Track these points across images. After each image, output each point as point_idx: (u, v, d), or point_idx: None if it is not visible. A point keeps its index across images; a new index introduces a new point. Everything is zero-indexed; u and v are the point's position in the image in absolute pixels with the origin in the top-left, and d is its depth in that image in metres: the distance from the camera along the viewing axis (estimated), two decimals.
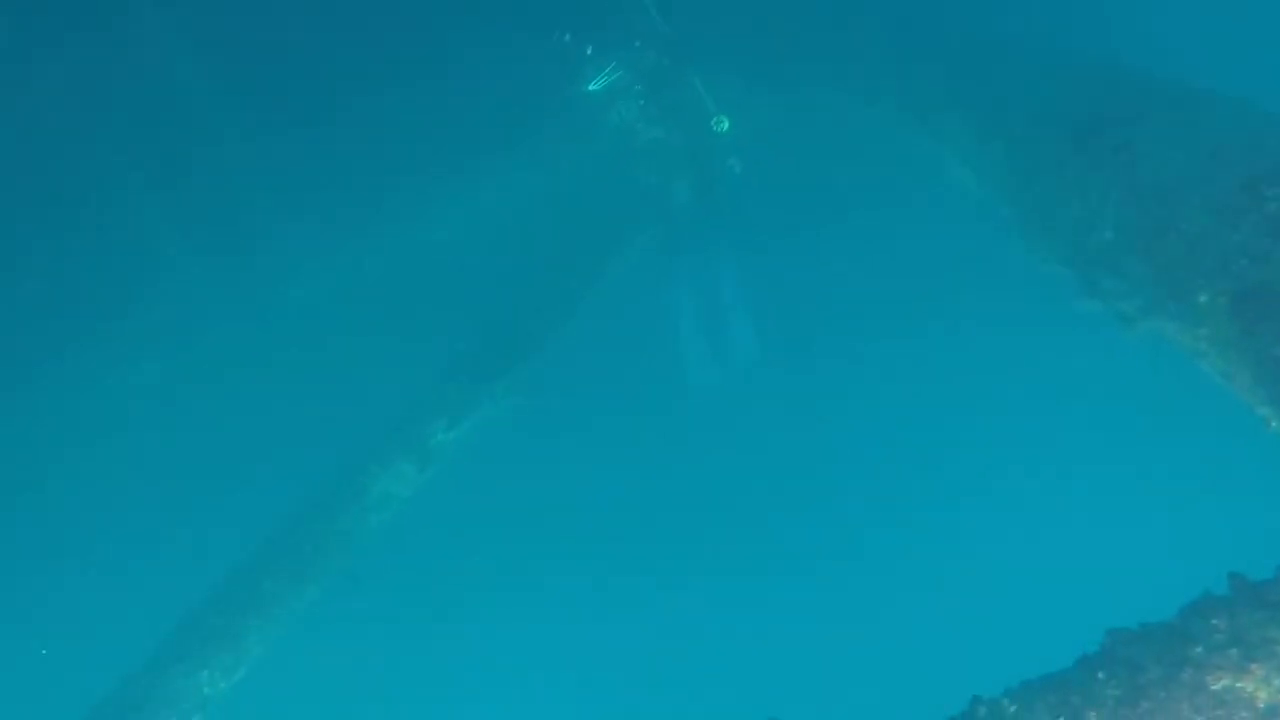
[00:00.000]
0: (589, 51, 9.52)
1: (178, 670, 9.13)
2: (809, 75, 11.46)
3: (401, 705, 11.43)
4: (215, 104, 12.23)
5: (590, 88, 9.56)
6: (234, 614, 9.49)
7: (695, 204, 10.75)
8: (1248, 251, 5.36)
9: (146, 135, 12.02)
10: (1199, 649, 3.73)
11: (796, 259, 11.73)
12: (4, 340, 11.85)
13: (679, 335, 11.35)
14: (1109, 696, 3.72)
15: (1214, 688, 3.57)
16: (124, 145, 11.93)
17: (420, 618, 11.20)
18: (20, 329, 11.85)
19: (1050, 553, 10.85)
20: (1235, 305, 5.23)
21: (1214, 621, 3.81)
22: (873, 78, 11.00)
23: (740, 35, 11.60)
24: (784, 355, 11.49)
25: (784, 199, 11.71)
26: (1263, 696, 3.58)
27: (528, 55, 10.91)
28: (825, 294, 12.01)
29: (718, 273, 11.31)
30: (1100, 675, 3.78)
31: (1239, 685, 3.56)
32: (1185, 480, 10.36)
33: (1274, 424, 4.80)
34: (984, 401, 11.49)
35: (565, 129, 11.77)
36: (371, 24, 11.68)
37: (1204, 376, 5.41)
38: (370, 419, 10.68)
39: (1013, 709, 3.80)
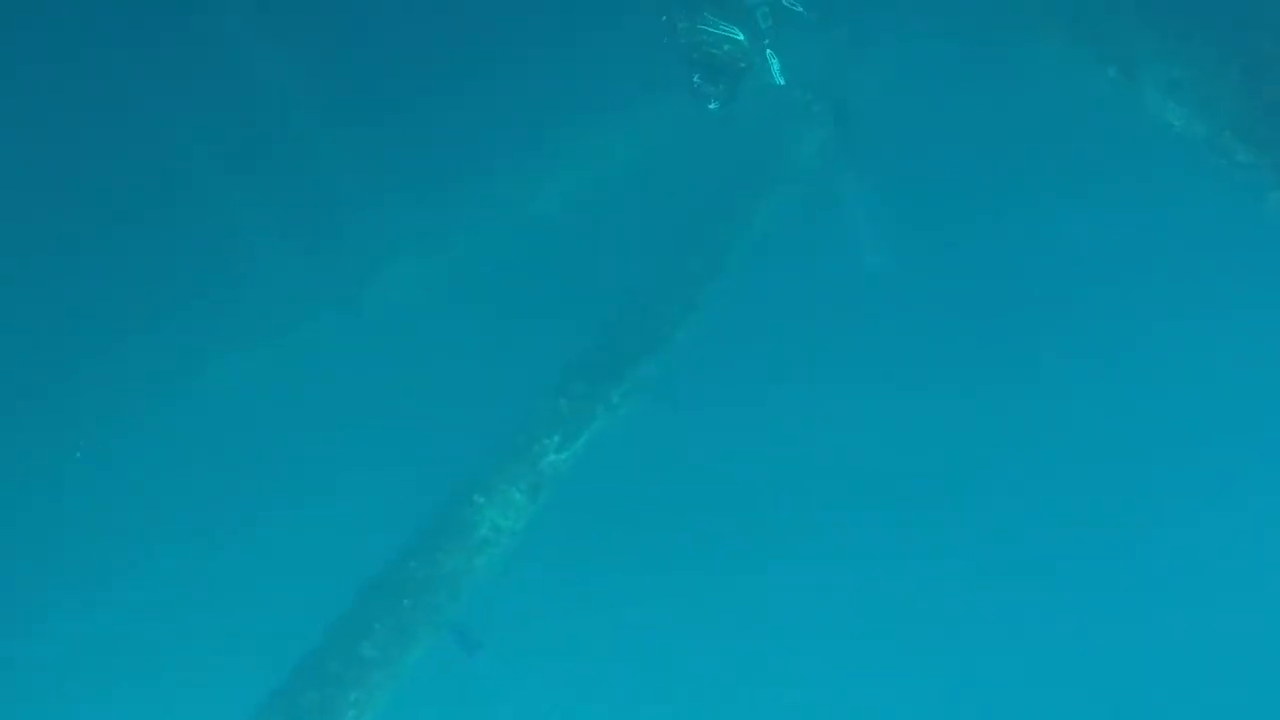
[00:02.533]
0: (696, 80, 7.71)
1: None
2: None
3: None
4: (293, 87, 10.71)
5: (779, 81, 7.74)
6: (327, 688, 8.03)
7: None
8: None
9: (228, 124, 10.56)
10: None
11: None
12: (82, 339, 10.56)
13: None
14: None
15: None
16: (204, 133, 10.50)
17: (544, 679, 9.57)
18: (96, 326, 10.54)
19: None
20: None
21: None
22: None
23: None
24: None
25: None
26: None
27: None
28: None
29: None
30: None
31: None
32: None
33: None
34: None
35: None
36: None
37: None
38: (470, 439, 9.09)
39: None
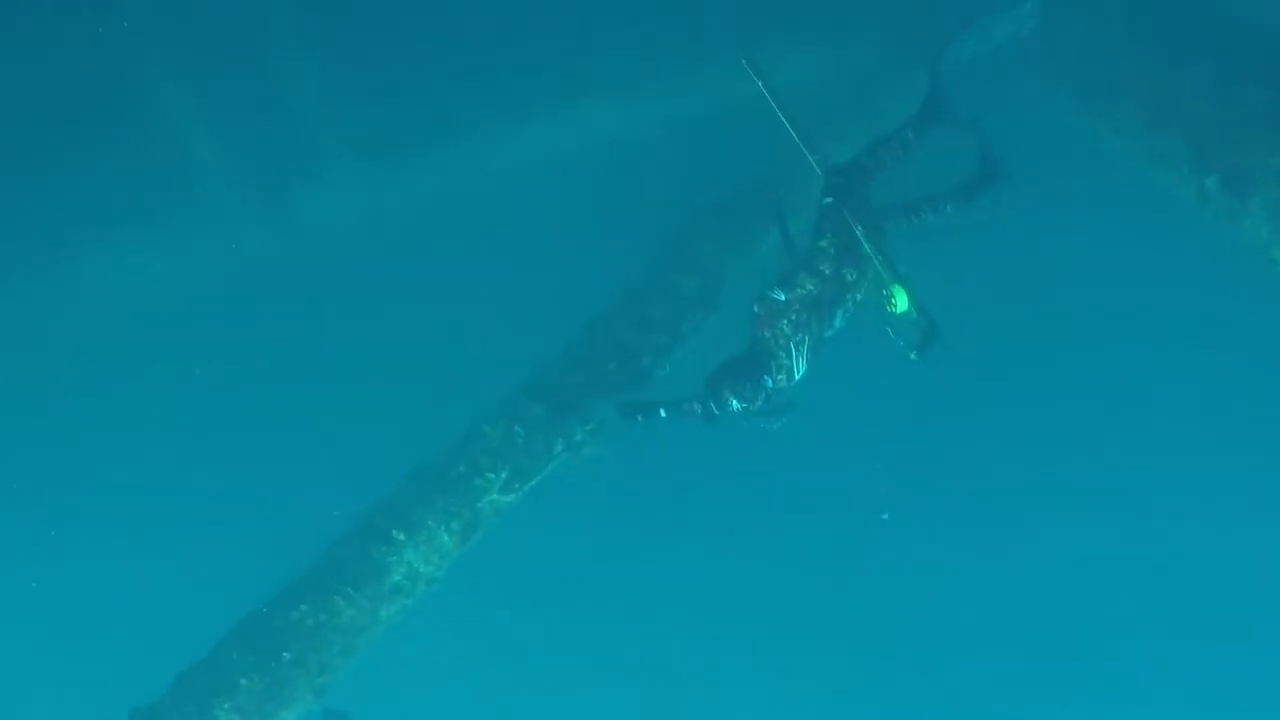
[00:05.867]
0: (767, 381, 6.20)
1: None
2: None
3: None
4: None
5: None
6: None
7: None
8: None
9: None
10: None
11: None
12: None
13: None
14: None
15: None
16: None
17: None
18: None
19: None
20: None
21: None
22: None
23: None
24: None
25: None
26: None
27: None
28: None
29: None
30: None
31: None
32: None
33: None
34: None
35: None
36: None
37: None
38: (395, 457, 7.31)
39: None
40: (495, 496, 7.31)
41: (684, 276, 8.53)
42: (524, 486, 7.38)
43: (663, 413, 6.55)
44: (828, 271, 6.19)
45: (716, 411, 6.13)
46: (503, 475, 7.31)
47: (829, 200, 6.22)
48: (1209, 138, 7.46)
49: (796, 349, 6.15)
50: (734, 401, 6.06)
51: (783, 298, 6.10)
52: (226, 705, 6.33)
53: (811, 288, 6.16)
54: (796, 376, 6.24)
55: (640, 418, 6.65)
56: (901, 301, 6.00)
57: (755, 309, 6.19)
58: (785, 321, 6.11)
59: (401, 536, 7.00)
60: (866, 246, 6.06)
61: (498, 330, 7.96)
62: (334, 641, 6.70)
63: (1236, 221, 7.26)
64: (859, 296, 6.36)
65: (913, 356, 6.06)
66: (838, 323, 6.37)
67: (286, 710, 6.54)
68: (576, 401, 7.73)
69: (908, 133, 6.67)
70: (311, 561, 6.88)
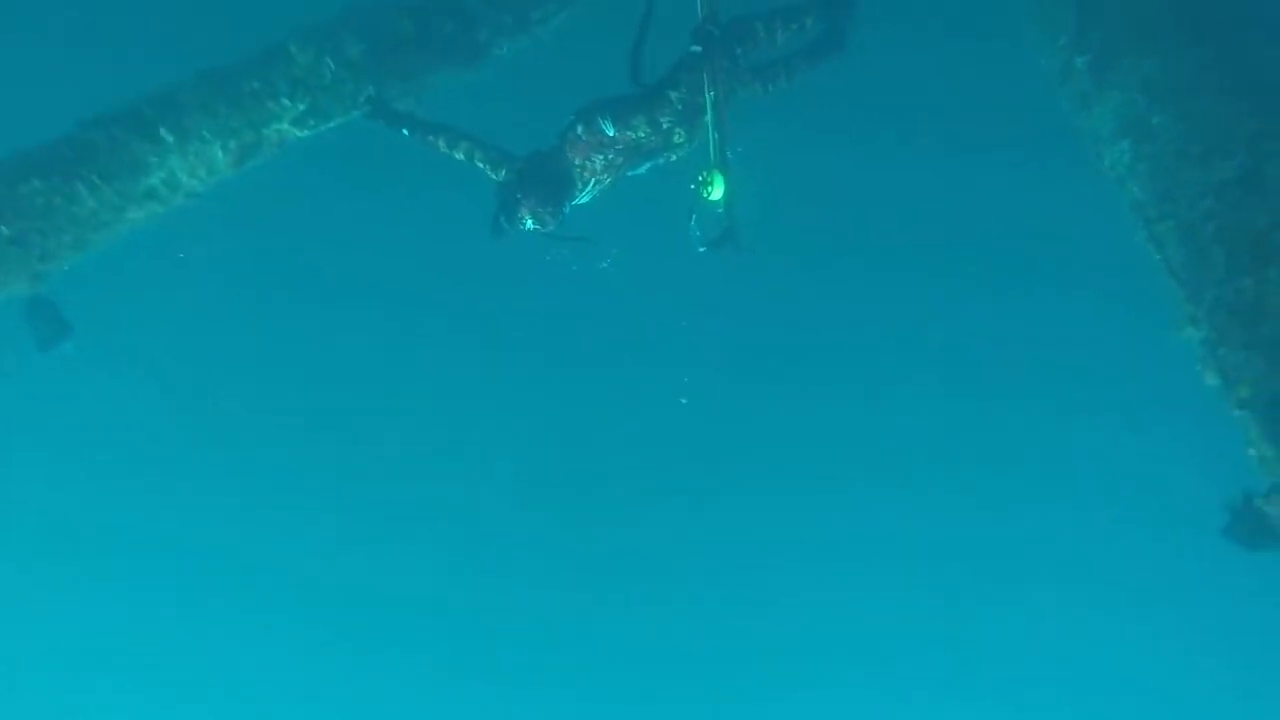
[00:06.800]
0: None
1: None
2: None
3: None
4: None
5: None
6: None
7: None
8: None
9: None
10: None
11: None
12: None
13: None
14: None
15: None
16: None
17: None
18: None
19: None
20: None
21: None
22: None
23: None
24: None
25: None
26: None
27: None
28: None
29: None
30: None
31: None
32: None
33: None
34: None
35: None
36: None
37: None
38: (179, 49, 6.28)
39: None
40: (286, 127, 6.54)
41: None
42: (319, 127, 6.66)
43: (405, 132, 6.23)
44: (665, 125, 5.82)
45: (506, 225, 5.78)
46: (300, 107, 6.52)
47: (696, 49, 5.63)
48: (1095, 13, 7.39)
49: (595, 185, 5.88)
50: (529, 220, 5.73)
51: (611, 134, 5.73)
52: None
53: (643, 135, 5.81)
54: (578, 201, 5.96)
55: (384, 123, 6.36)
56: (716, 188, 5.66)
57: (579, 132, 5.76)
58: (601, 157, 5.80)
59: (170, 138, 6.17)
60: (710, 117, 5.59)
61: None
62: (66, 229, 5.95)
63: (1087, 109, 7.28)
64: (674, 158, 6.03)
65: (702, 250, 5.87)
66: (641, 170, 6.05)
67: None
68: (399, 52, 6.97)
69: (807, 18, 6.14)
70: (55, 135, 5.96)
